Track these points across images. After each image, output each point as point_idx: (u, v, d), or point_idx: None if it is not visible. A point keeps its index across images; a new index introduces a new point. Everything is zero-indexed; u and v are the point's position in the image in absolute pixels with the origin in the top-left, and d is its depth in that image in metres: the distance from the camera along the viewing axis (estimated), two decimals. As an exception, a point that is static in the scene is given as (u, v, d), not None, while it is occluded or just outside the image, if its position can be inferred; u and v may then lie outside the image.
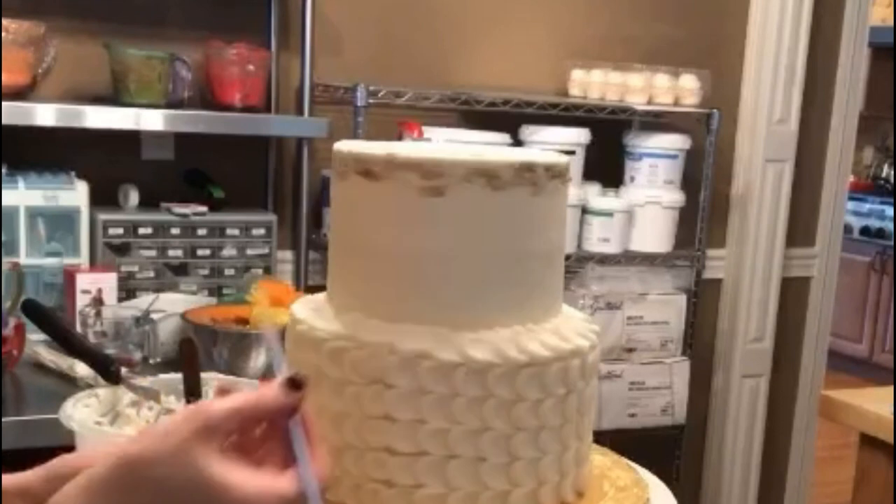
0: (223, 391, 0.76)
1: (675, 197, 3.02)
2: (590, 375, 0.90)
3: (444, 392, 0.83)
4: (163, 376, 1.41)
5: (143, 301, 2.31)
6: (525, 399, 0.85)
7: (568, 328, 0.91)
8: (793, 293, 3.50)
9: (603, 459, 1.01)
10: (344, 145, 0.91)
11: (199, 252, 2.53)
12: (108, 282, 2.29)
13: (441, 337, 0.84)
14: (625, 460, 1.01)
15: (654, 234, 3.01)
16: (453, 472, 0.84)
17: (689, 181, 3.05)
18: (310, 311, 0.91)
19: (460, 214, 0.86)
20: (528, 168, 0.87)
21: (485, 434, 0.84)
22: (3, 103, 2.22)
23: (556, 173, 0.89)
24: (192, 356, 1.37)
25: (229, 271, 2.56)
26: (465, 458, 0.84)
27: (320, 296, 0.95)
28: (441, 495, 0.84)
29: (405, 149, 0.89)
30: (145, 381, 1.38)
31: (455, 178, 0.85)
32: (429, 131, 2.70)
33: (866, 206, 6.39)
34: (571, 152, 2.83)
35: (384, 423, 0.84)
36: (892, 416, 2.05)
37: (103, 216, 2.43)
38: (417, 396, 0.83)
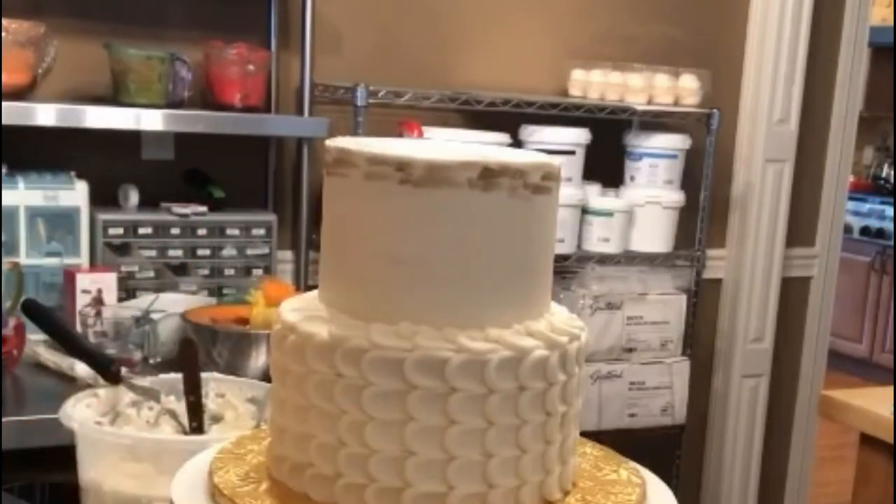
0: None
1: (675, 197, 3.02)
2: (572, 368, 0.90)
3: (435, 389, 0.83)
4: (163, 376, 1.42)
5: (143, 301, 2.31)
6: (526, 390, 0.85)
7: (555, 324, 0.91)
8: (793, 293, 3.50)
9: (597, 456, 1.01)
10: (335, 142, 0.91)
11: (199, 252, 2.53)
12: (108, 282, 2.29)
13: (429, 336, 0.84)
14: (621, 457, 1.01)
15: (654, 234, 3.01)
16: (453, 473, 0.84)
17: (689, 181, 3.05)
18: (299, 312, 0.91)
19: (451, 214, 0.86)
20: (517, 170, 0.87)
21: (490, 430, 0.84)
22: (3, 103, 2.22)
23: (548, 176, 0.89)
24: (192, 356, 1.37)
25: (229, 271, 2.56)
26: (465, 459, 0.84)
27: (311, 295, 0.95)
28: (441, 494, 0.84)
29: (396, 147, 0.89)
30: (145, 381, 1.38)
31: (444, 178, 0.85)
32: (429, 131, 2.70)
33: (866, 206, 6.39)
34: (571, 152, 2.84)
35: (373, 422, 0.84)
36: (892, 416, 2.05)
37: (103, 216, 2.43)
38: (402, 396, 0.83)
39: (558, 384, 0.88)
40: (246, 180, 2.76)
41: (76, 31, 2.51)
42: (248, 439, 1.02)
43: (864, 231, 6.36)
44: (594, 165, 2.93)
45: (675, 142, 3.01)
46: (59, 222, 2.38)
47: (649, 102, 2.95)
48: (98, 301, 2.24)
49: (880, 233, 6.30)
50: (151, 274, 2.48)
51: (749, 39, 3.30)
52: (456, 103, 2.79)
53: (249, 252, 2.58)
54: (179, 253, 2.51)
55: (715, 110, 3.00)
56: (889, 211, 6.26)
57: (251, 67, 2.57)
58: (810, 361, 3.58)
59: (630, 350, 2.97)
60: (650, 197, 2.99)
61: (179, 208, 2.52)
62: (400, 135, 2.62)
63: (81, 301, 2.24)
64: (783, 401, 3.56)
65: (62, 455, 1.33)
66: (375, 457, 0.84)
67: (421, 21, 2.92)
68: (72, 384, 1.97)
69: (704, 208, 3.06)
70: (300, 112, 2.71)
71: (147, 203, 2.54)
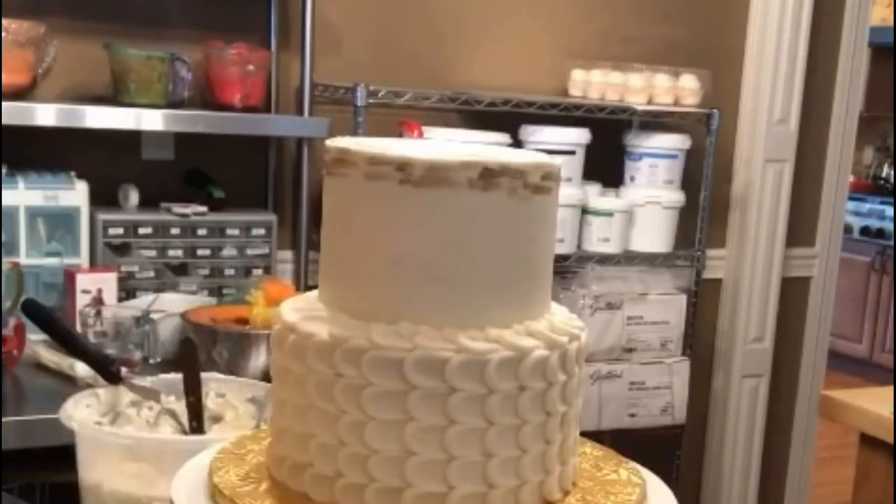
0: None
1: (675, 197, 3.02)
2: (572, 368, 0.90)
3: (435, 389, 0.83)
4: (163, 376, 1.41)
5: (143, 301, 2.31)
6: (526, 390, 0.85)
7: (555, 324, 0.91)
8: (793, 293, 3.50)
9: (597, 456, 1.01)
10: (335, 142, 0.91)
11: (199, 252, 2.53)
12: (108, 282, 2.29)
13: (429, 336, 0.84)
14: (621, 457, 1.01)
15: (654, 234, 3.01)
16: (453, 473, 0.84)
17: (689, 181, 3.05)
18: (299, 312, 0.91)
19: (451, 214, 0.86)
20: (517, 170, 0.87)
21: (490, 430, 0.84)
22: (3, 103, 2.22)
23: (548, 176, 0.89)
24: (192, 356, 1.37)
25: (229, 271, 2.56)
26: (465, 459, 0.84)
27: (311, 295, 0.95)
28: (441, 494, 0.84)
29: (396, 147, 0.89)
30: (145, 381, 1.38)
31: (444, 178, 0.85)
32: (429, 131, 2.70)
33: (866, 206, 6.39)
34: (571, 152, 2.84)
35: (373, 422, 0.84)
36: (892, 416, 2.05)
37: (103, 216, 2.43)
38: (402, 396, 0.83)
39: (558, 384, 0.88)
40: (246, 180, 2.76)
41: (76, 31, 2.51)
42: (248, 439, 1.02)
43: (864, 231, 6.36)
44: (594, 165, 2.93)
45: (675, 142, 3.01)
46: (59, 222, 2.38)
47: (649, 102, 2.95)
48: (98, 301, 2.24)
49: (880, 233, 6.30)
50: (151, 274, 2.48)
51: (749, 39, 3.30)
52: (456, 103, 2.79)
53: (249, 252, 2.58)
54: (179, 253, 2.51)
55: (715, 110, 3.00)
56: (889, 211, 6.26)
57: (251, 67, 2.57)
58: (810, 361, 3.58)
59: (630, 350, 2.97)
60: (650, 197, 2.99)
61: (179, 208, 2.52)
62: (400, 135, 2.62)
63: (81, 301, 2.24)
64: (783, 401, 3.56)
65: (62, 455, 1.33)
66: (375, 457, 0.84)
67: (421, 21, 2.92)
68: (72, 384, 1.97)
69: (704, 208, 3.06)
70: (300, 112, 2.71)
71: (147, 203, 2.54)
